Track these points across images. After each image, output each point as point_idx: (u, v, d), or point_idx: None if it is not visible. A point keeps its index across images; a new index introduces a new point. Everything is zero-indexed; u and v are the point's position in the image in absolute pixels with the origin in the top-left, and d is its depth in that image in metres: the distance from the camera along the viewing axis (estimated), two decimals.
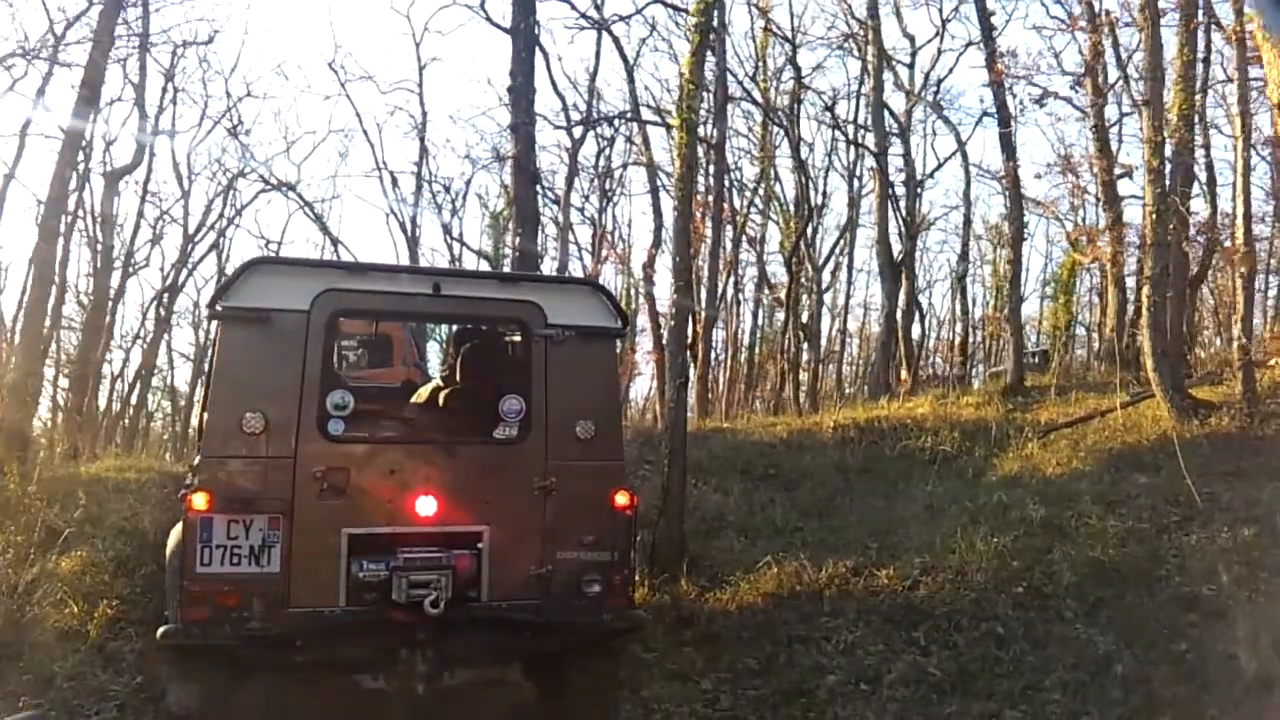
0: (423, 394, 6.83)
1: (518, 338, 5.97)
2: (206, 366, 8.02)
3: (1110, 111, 19.03)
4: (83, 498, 8.40)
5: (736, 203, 25.13)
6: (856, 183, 25.87)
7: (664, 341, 17.83)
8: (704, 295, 16.67)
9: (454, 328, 7.40)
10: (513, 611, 5.11)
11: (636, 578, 6.12)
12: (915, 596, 7.26)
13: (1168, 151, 11.66)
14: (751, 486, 11.16)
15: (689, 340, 11.49)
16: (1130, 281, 18.82)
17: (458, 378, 6.08)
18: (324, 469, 4.90)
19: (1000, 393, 14.73)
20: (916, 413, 13.61)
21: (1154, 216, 10.91)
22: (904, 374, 21.00)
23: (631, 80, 21.03)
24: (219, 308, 5.03)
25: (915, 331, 23.10)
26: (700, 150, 13.06)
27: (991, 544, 7.53)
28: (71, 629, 6.72)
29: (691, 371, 14.47)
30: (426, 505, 5.02)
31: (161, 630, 4.88)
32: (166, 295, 25.58)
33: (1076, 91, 17.67)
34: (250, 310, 4.93)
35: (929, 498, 9.73)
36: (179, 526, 5.02)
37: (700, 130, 12.78)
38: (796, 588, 7.73)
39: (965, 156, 23.59)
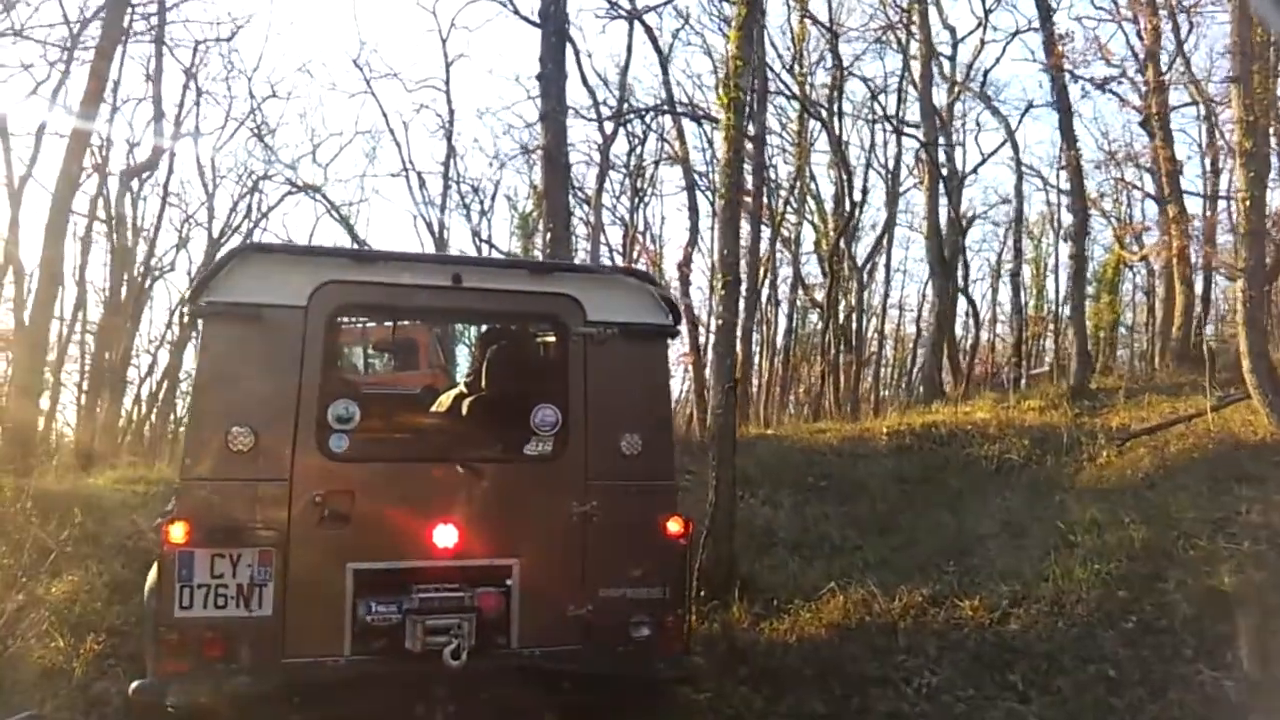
0: (443, 402, 6.06)
1: (552, 337, 5.21)
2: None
3: None
4: (79, 515, 7.74)
5: (771, 202, 24.28)
6: (894, 180, 24.99)
7: (701, 342, 17.09)
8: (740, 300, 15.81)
9: (481, 326, 6.64)
10: (547, 660, 4.39)
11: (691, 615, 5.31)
12: (1007, 631, 6.37)
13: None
14: (803, 499, 10.40)
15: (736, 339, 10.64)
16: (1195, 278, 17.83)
17: (483, 383, 5.33)
18: (324, 493, 4.21)
19: (1065, 396, 13.77)
20: (976, 417, 12.75)
21: (1248, 204, 9.92)
22: (949, 376, 20.12)
23: (665, 71, 20.20)
24: (202, 303, 4.30)
25: (961, 331, 22.27)
26: None
27: (1091, 570, 6.62)
28: (56, 666, 6.11)
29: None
30: (446, 535, 4.31)
31: (135, 685, 4.18)
32: None
33: (1139, 76, 16.72)
34: (238, 306, 4.23)
35: (1003, 513, 8.85)
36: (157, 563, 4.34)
37: None
38: (865, 618, 6.89)
39: (1016, 148, 22.80)
